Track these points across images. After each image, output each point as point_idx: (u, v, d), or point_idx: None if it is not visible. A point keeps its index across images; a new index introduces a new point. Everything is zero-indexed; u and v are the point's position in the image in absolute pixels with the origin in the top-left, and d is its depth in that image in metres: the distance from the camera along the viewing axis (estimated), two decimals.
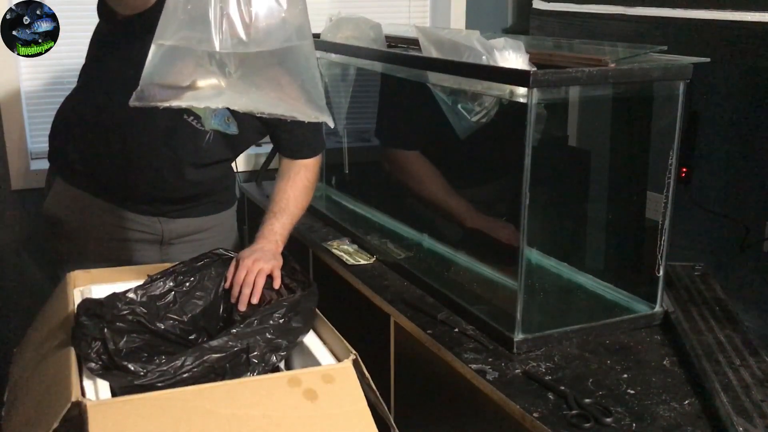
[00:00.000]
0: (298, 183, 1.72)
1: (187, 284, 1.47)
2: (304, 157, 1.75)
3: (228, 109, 1.62)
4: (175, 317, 1.43)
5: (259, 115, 1.11)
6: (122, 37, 1.56)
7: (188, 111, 1.60)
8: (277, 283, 1.48)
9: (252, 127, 1.69)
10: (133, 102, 1.06)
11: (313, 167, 1.77)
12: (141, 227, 1.73)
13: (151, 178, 1.67)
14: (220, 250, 1.55)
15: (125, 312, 1.36)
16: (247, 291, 1.46)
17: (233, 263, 1.51)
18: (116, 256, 1.72)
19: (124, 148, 1.64)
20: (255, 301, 1.45)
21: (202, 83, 1.08)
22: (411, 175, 1.96)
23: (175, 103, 1.09)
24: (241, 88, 1.08)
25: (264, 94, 1.09)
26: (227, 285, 1.49)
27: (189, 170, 1.67)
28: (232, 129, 1.66)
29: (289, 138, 1.74)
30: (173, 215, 1.75)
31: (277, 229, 1.63)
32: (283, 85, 1.11)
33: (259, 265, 1.48)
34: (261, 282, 1.47)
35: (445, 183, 1.92)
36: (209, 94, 1.09)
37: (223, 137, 1.66)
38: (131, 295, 1.41)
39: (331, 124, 1.13)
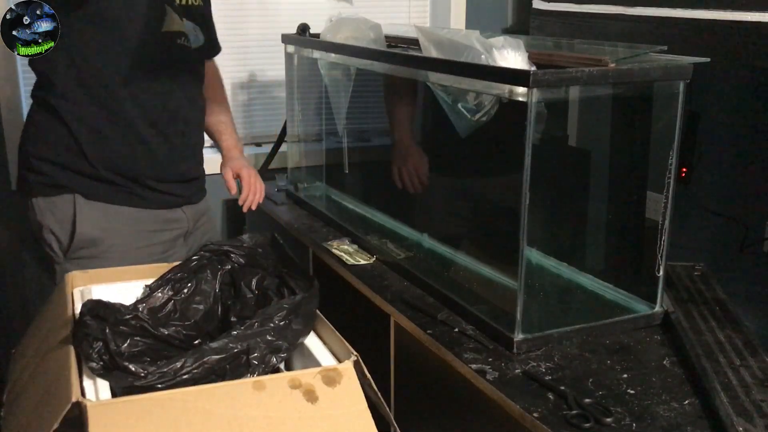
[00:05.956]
0: (218, 84, 2.02)
1: (185, 291, 1.47)
2: (215, 54, 2.00)
3: (192, 19, 1.78)
4: (178, 323, 1.44)
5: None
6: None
7: (178, 33, 1.70)
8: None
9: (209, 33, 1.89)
10: None
11: (215, 65, 2.03)
12: (170, 225, 1.78)
13: (171, 127, 1.74)
14: (210, 245, 1.55)
15: (128, 317, 1.36)
16: (254, 197, 1.89)
17: (229, 173, 1.90)
18: (152, 260, 1.70)
19: (136, 107, 1.67)
20: (261, 200, 1.92)
21: None
22: (390, 109, 2.16)
23: None
24: None
25: None
26: (239, 195, 1.90)
27: (197, 101, 1.83)
28: (200, 39, 1.81)
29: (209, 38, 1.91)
30: (194, 198, 1.85)
31: (235, 136, 1.98)
32: None
33: (252, 172, 1.91)
34: (262, 186, 1.92)
35: (409, 113, 2.11)
36: None
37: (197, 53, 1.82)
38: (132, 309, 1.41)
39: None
